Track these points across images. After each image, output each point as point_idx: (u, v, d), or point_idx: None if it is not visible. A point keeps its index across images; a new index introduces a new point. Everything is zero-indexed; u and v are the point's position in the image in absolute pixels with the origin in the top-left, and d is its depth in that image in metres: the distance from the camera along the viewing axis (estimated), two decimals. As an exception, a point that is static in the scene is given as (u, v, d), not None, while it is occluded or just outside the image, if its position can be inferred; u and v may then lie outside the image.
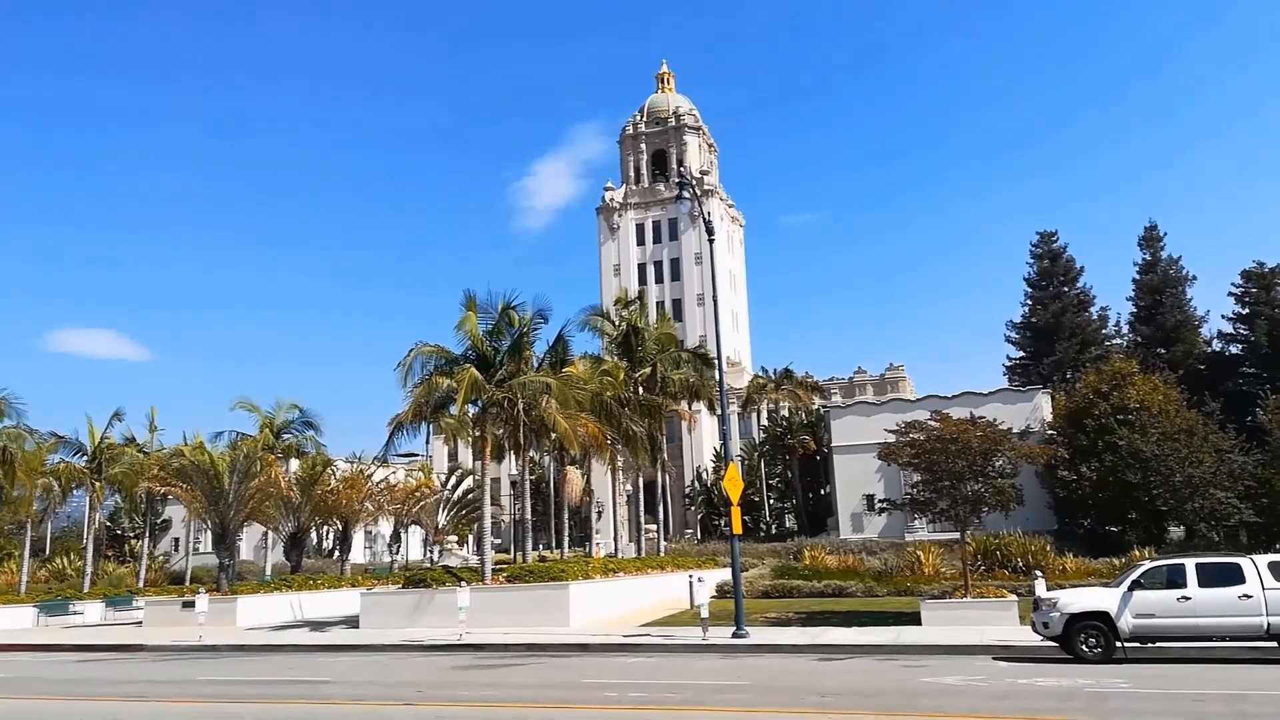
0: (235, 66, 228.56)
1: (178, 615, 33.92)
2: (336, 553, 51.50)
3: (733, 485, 25.54)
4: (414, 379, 32.09)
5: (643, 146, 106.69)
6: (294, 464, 48.11)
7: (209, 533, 44.56)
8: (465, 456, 77.88)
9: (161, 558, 68.92)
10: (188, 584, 46.17)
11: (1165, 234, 73.68)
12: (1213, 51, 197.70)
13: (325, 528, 57.52)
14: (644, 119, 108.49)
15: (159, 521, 73.62)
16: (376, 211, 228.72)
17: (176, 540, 76.52)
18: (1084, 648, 18.93)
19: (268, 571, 51.12)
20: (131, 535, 74.41)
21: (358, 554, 63.77)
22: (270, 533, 49.93)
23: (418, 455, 54.70)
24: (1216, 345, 70.15)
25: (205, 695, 17.47)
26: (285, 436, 46.68)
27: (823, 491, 71.65)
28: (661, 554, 45.79)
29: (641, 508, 47.70)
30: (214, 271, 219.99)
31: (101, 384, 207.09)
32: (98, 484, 48.46)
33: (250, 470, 36.93)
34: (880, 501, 36.83)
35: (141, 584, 49.21)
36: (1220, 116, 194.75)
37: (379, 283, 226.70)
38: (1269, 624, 18.34)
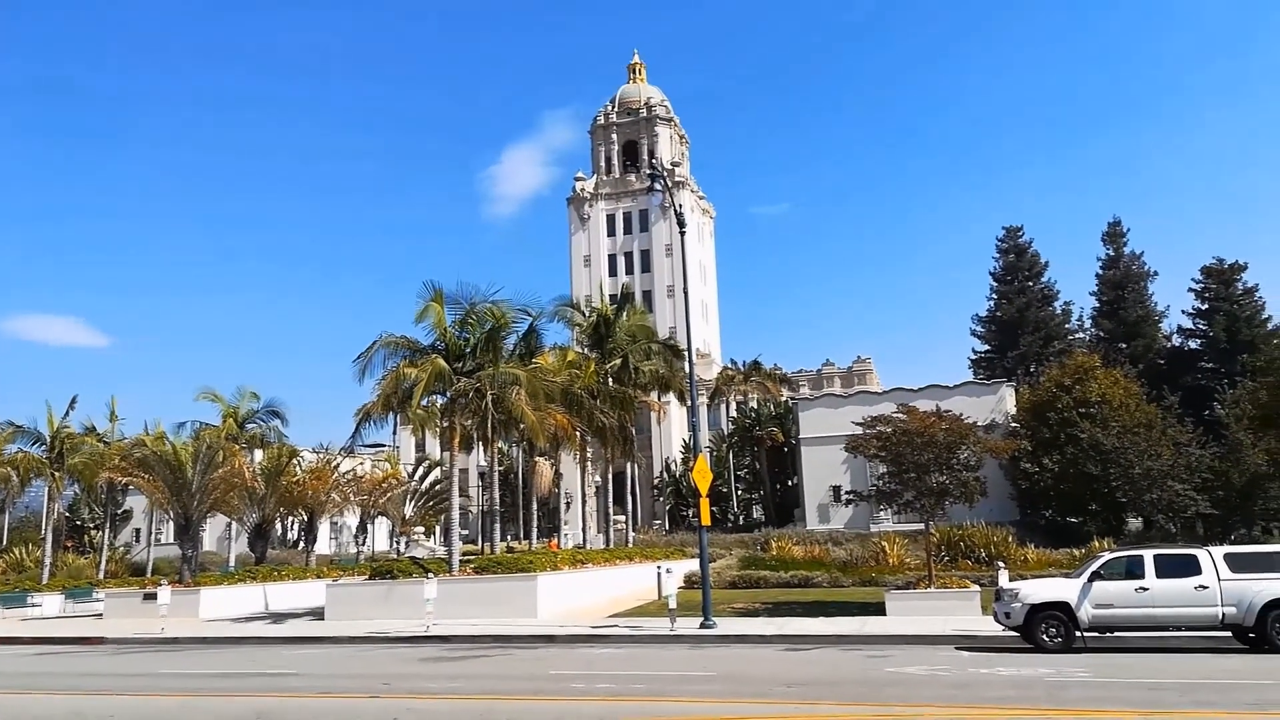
0: (198, 51, 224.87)
1: (139, 607, 33.43)
2: (302, 544, 51.02)
3: (701, 477, 25.64)
4: (377, 371, 31.85)
5: (614, 137, 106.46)
6: (259, 454, 47.56)
7: (171, 524, 44.05)
8: (433, 447, 77.38)
9: (122, 549, 67.82)
10: (149, 575, 45.46)
11: (1128, 230, 74.95)
12: (1177, 50, 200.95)
13: (291, 519, 57.00)
14: (615, 109, 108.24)
15: (120, 512, 72.44)
16: (342, 197, 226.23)
17: (138, 531, 75.40)
18: (1045, 638, 19.23)
19: (232, 563, 50.45)
20: (91, 526, 73.19)
21: (324, 545, 63.27)
22: (234, 524, 49.33)
23: (385, 446, 54.39)
24: (1176, 340, 71.44)
25: (168, 689, 17.24)
26: (250, 426, 46.16)
27: (790, 483, 72.10)
28: (630, 545, 45.87)
29: (610, 499, 47.67)
30: (175, 257, 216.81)
31: (60, 371, 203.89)
32: (57, 474, 47.59)
33: (214, 460, 36.47)
34: (847, 493, 37.21)
35: (102, 576, 48.44)
36: (1183, 115, 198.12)
37: (345, 269, 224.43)
38: (1224, 614, 18.75)
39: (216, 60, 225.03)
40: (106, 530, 54.95)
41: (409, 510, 56.47)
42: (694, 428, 29.91)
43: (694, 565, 33.89)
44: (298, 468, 45.97)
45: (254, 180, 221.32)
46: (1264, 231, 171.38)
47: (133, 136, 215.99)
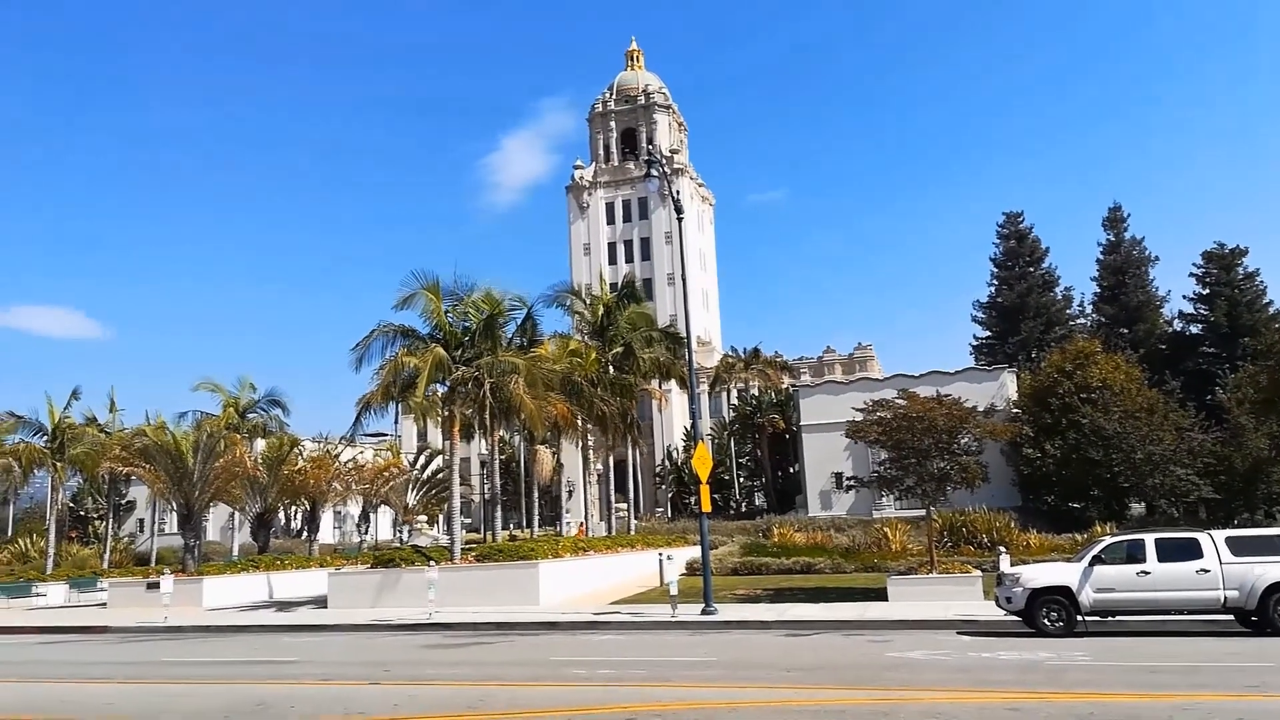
0: (194, 39, 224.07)
1: (143, 596, 33.55)
2: (305, 533, 51.14)
3: (701, 464, 25.61)
4: (375, 360, 31.81)
5: (612, 125, 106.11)
6: (260, 444, 47.62)
7: (174, 514, 44.06)
8: (435, 436, 77.41)
9: (126, 539, 68.01)
10: (153, 565, 45.56)
11: (1129, 215, 74.87)
12: (1177, 34, 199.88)
13: (293, 508, 57.10)
14: (613, 97, 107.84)
15: (123, 502, 72.66)
16: (340, 184, 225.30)
17: (141, 521, 75.62)
18: (1046, 622, 19.18)
19: (235, 552, 50.58)
20: (95, 516, 73.39)
21: (326, 534, 63.45)
22: (237, 513, 49.44)
23: (386, 435, 54.40)
24: (1177, 325, 71.38)
25: (170, 676, 17.27)
26: (251, 416, 46.18)
27: (792, 470, 72.19)
28: (632, 532, 45.93)
29: (612, 486, 47.75)
30: (174, 247, 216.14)
31: (61, 362, 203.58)
32: (59, 465, 47.66)
33: (215, 450, 36.50)
34: (848, 479, 37.22)
35: (106, 565, 48.59)
36: (1184, 99, 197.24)
37: (342, 258, 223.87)
38: (1226, 598, 18.71)
39: (213, 48, 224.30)
40: (110, 520, 55.10)
41: (411, 499, 56.48)
42: (695, 415, 29.87)
43: (696, 552, 33.89)
44: (299, 457, 46.00)
45: (249, 169, 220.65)
46: (1265, 216, 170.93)
47: (130, 126, 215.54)
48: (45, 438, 47.49)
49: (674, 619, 23.30)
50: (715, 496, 57.76)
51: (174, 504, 38.33)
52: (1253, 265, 67.63)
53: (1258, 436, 44.50)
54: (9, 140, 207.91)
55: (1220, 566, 18.82)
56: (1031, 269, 75.85)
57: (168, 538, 61.94)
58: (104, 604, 35.93)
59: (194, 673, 17.73)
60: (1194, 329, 69.89)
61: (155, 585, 31.85)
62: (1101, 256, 74.60)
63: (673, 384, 55.85)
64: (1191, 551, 19.18)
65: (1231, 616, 19.29)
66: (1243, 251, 67.79)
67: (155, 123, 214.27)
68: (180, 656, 20.62)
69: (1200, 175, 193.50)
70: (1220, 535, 19.56)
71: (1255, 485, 47.08)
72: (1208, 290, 68.12)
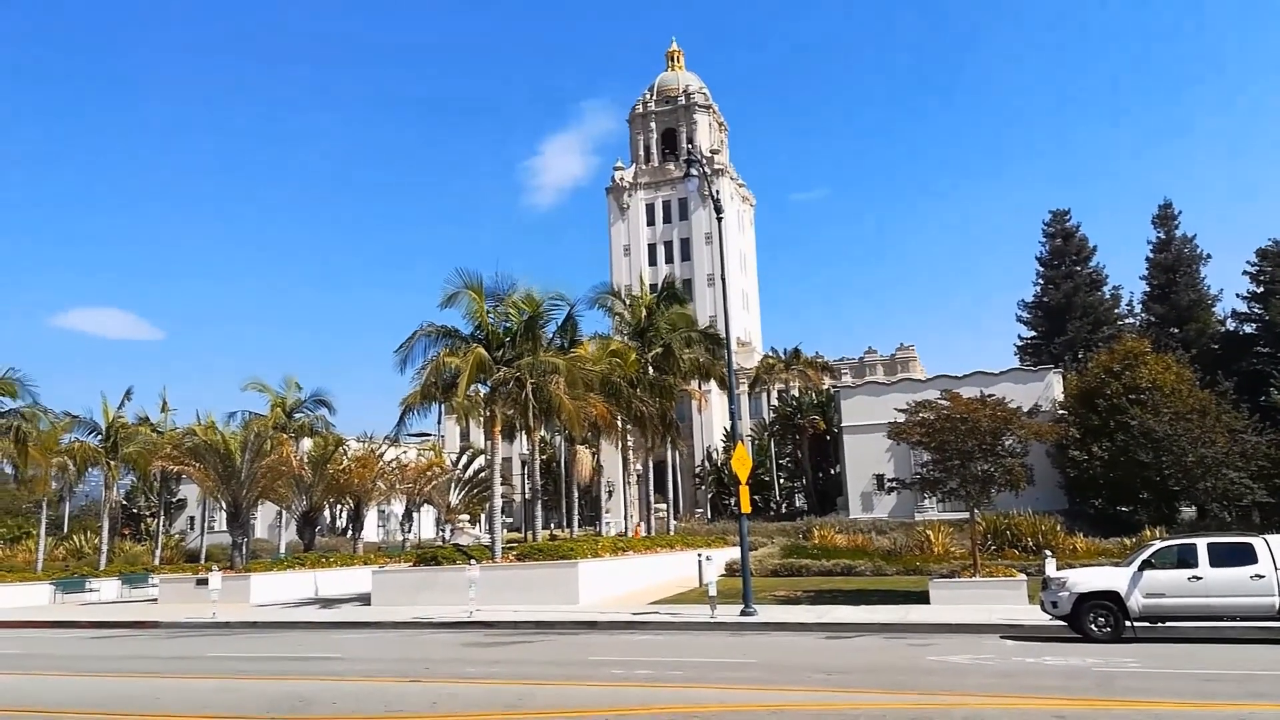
0: (244, 39, 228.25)
1: (192, 592, 34.18)
2: (349, 531, 51.78)
3: (740, 464, 25.52)
4: (417, 361, 32.11)
5: (652, 125, 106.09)
6: (306, 443, 48.27)
7: (223, 511, 44.87)
8: (477, 436, 78.02)
9: (177, 536, 69.47)
10: (203, 562, 46.48)
11: (1180, 212, 73.22)
12: (1227, 27, 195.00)
13: (338, 506, 57.83)
14: (653, 97, 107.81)
15: (174, 500, 74.11)
16: (385, 186, 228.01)
17: (191, 519, 77.15)
18: (1093, 627, 18.84)
19: (281, 549, 51.41)
20: (147, 514, 75.02)
21: (370, 532, 64.19)
22: (283, 511, 50.24)
23: (429, 435, 54.90)
24: (1230, 324, 69.62)
25: (215, 671, 17.57)
26: (297, 416, 46.85)
27: (832, 471, 71.65)
28: (671, 533, 45.96)
29: (651, 487, 47.71)
30: (226, 249, 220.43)
31: (114, 363, 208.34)
32: (112, 463, 48.80)
33: (262, 449, 37.11)
34: (890, 481, 36.75)
35: (157, 562, 49.63)
36: (1237, 92, 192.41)
37: (385, 259, 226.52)
38: (1280, 604, 18.25)
39: (259, 49, 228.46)
40: (161, 518, 56.28)
41: (454, 498, 57.05)
42: (734, 416, 29.80)
43: (735, 553, 33.79)
44: (344, 456, 46.59)
45: (294, 171, 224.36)
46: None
47: (177, 127, 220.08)
48: (99, 437, 48.61)
49: (713, 620, 23.22)
50: (755, 498, 57.53)
51: (223, 502, 39.04)
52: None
53: (1314, 439, 43.34)
54: (69, 144, 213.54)
55: (1275, 572, 18.35)
56: (1079, 268, 74.54)
57: (217, 535, 63.14)
58: (154, 599, 36.67)
59: (239, 668, 18.00)
60: (1248, 328, 68.13)
61: (204, 581, 32.40)
62: (1151, 255, 73.05)
63: (712, 385, 55.66)
64: (1245, 556, 18.72)
65: (1286, 623, 18.80)
66: (1298, 249, 65.97)
67: (208, 123, 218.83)
68: (227, 652, 20.93)
69: (1254, 171, 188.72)
70: (1275, 540, 19.05)
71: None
72: (1262, 289, 66.36)
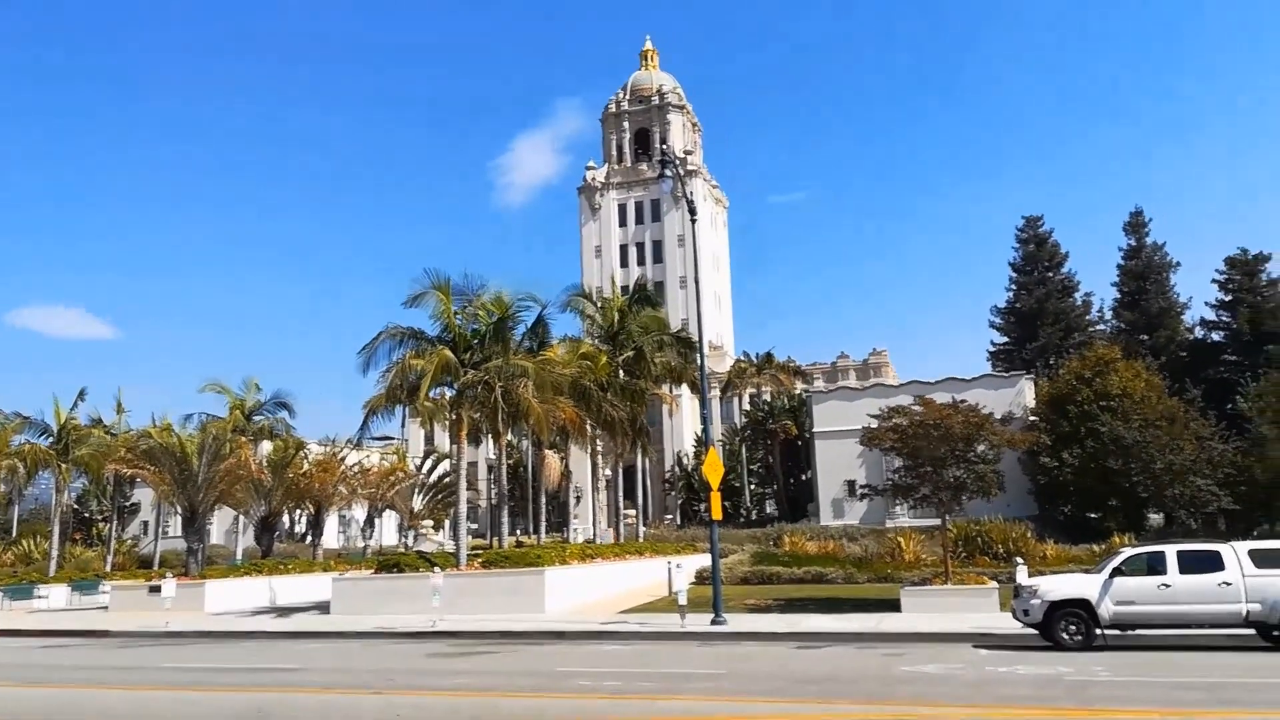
0: (207, 33, 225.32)
1: (144, 600, 33.34)
2: (309, 537, 50.90)
3: (712, 470, 25.19)
4: (382, 363, 31.48)
5: (625, 125, 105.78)
6: (265, 446, 47.45)
7: (178, 516, 43.89)
8: (442, 440, 77.25)
9: (130, 541, 68.13)
10: (156, 568, 45.47)
11: (1150, 220, 73.73)
12: (1202, 39, 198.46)
13: (298, 511, 56.80)
14: (627, 97, 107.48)
15: (127, 504, 72.74)
16: (350, 183, 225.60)
17: (145, 524, 75.60)
18: (1064, 635, 18.81)
19: (238, 556, 50.46)
20: (99, 518, 73.51)
21: (331, 538, 63.12)
22: (241, 516, 49.25)
23: (393, 438, 54.01)
24: (1199, 332, 70.30)
25: (169, 682, 17.00)
26: (256, 418, 46.01)
27: (804, 477, 71.64)
28: (640, 539, 45.48)
29: (620, 492, 47.30)
30: (183, 248, 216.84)
31: (68, 363, 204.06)
32: (64, 466, 47.55)
33: (219, 452, 36.31)
34: (861, 487, 36.64)
35: (109, 568, 48.55)
36: (1207, 104, 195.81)
37: (353, 258, 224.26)
38: (1248, 611, 18.32)
39: (221, 45, 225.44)
40: (114, 523, 55.05)
41: (417, 503, 56.23)
42: (705, 420, 29.51)
43: (705, 560, 33.45)
44: (305, 460, 45.78)
45: (259, 168, 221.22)
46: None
47: (136, 124, 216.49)
48: (50, 439, 47.40)
49: (683, 629, 22.93)
50: (725, 504, 57.21)
51: (178, 507, 38.18)
52: (1277, 271, 66.66)
53: (1279, 447, 43.75)
54: (15, 139, 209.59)
55: (1243, 579, 18.46)
56: (1051, 274, 75.00)
57: (171, 541, 61.92)
58: (105, 607, 35.71)
59: (194, 679, 17.47)
60: (1216, 336, 68.85)
61: (157, 589, 31.65)
62: (1122, 262, 73.64)
63: (683, 389, 55.46)
64: (1213, 564, 18.81)
65: (1253, 631, 18.80)
66: (1266, 258, 66.74)
67: (164, 120, 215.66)
68: (181, 662, 20.37)
69: (1224, 180, 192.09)
70: (1243, 547, 19.20)
71: (1276, 496, 46.24)
72: (1230, 297, 67.10)
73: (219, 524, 65.47)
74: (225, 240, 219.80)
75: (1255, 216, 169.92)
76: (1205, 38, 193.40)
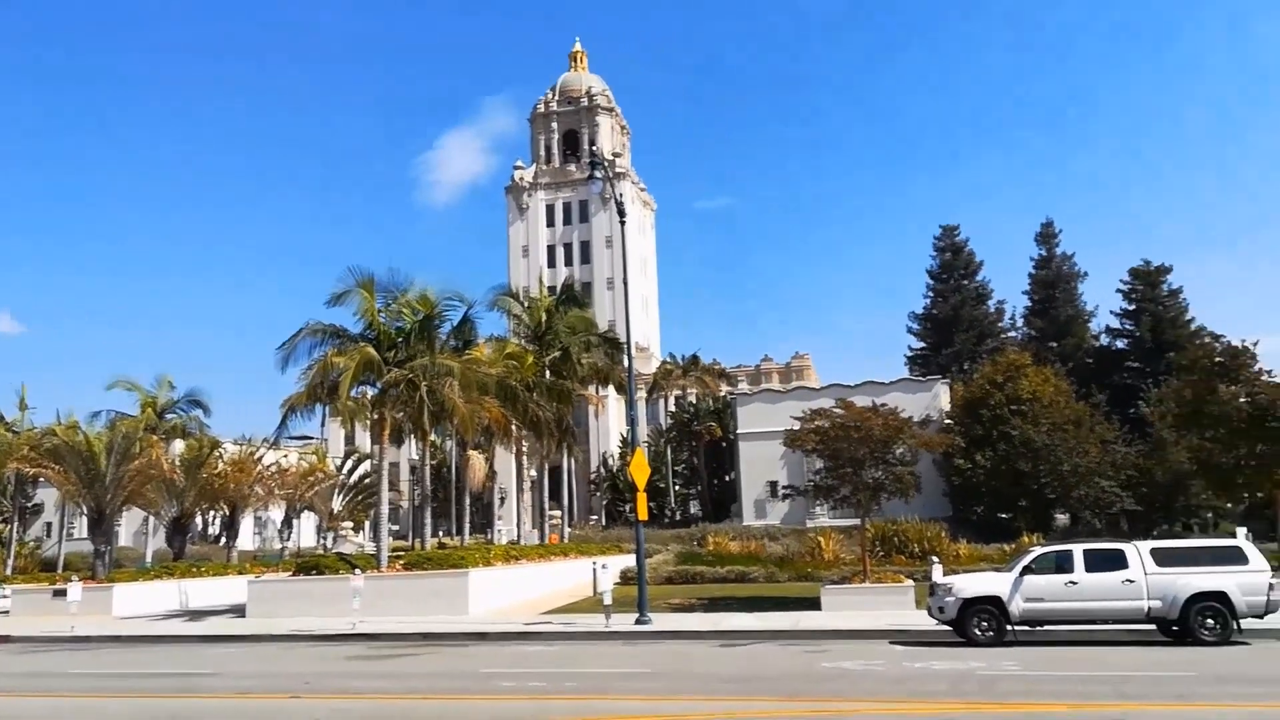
0: (125, 16, 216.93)
1: (48, 604, 32.01)
2: (223, 539, 49.53)
3: (639, 471, 25.28)
4: (302, 360, 30.75)
5: (554, 126, 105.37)
6: (179, 445, 46.02)
7: (84, 517, 42.29)
8: (363, 440, 75.78)
9: (32, 544, 65.36)
10: (60, 571, 43.60)
11: (1060, 231, 76.72)
12: (1107, 55, 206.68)
13: (212, 513, 55.25)
14: (556, 97, 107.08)
15: (30, 505, 69.42)
16: (268, 178, 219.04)
17: (49, 525, 72.48)
18: (977, 631, 19.32)
19: (148, 558, 48.73)
20: (-1, 519, 70.17)
21: (246, 540, 61.44)
22: (152, 518, 47.68)
23: (313, 438, 52.96)
24: (1104, 340, 73.26)
25: (75, 689, 16.44)
26: (169, 416, 44.59)
27: (728, 478, 72.37)
28: (565, 540, 45.42)
29: (546, 493, 47.15)
30: (92, 241, 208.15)
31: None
32: (-38, 465, 45.36)
33: (129, 451, 35.09)
34: (784, 488, 37.35)
35: (10, 571, 46.49)
36: (1115, 119, 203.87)
37: (270, 253, 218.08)
38: (1149, 607, 19.05)
39: (146, 30, 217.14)
40: (15, 524, 52.71)
41: (337, 505, 55.19)
42: (632, 421, 29.56)
43: (630, 561, 33.56)
44: (220, 460, 44.55)
45: (172, 161, 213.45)
46: (1189, 235, 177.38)
47: (47, 116, 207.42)
48: (-52, 437, 45.24)
49: (608, 629, 22.94)
50: (651, 504, 57.26)
51: (84, 507, 36.83)
52: (1176, 283, 70.07)
53: (1178, 450, 45.77)
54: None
55: (1145, 577, 19.18)
56: (966, 282, 77.26)
57: (77, 543, 59.52)
58: (6, 612, 34.19)
59: (102, 685, 16.89)
60: (1120, 344, 71.84)
61: (62, 593, 30.44)
62: (1033, 271, 76.37)
63: (610, 390, 55.45)
64: (1118, 562, 19.52)
65: (1154, 626, 19.63)
66: (1167, 269, 70.09)
67: (76, 111, 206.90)
68: (88, 668, 19.70)
69: (1129, 194, 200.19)
70: (1145, 546, 19.94)
71: (1175, 497, 48.51)
72: (1134, 306, 70.12)
73: (128, 525, 63.07)
74: (135, 235, 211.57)
75: (1159, 229, 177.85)
76: (1114, 51, 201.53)
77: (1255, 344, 28.41)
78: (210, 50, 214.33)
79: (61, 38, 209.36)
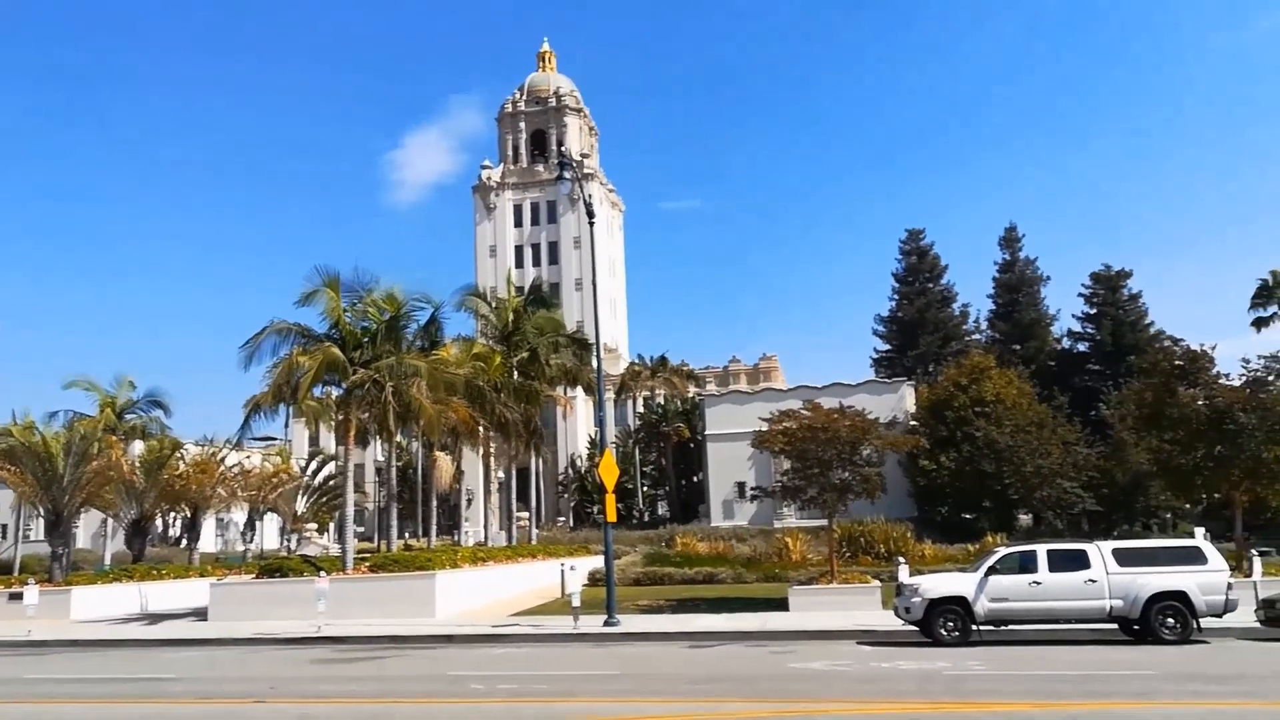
0: (86, 14, 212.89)
1: (4, 609, 31.19)
2: (185, 541, 48.63)
3: (608, 472, 25.25)
4: (266, 359, 30.34)
5: (522, 126, 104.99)
6: (139, 446, 45.20)
7: (41, 520, 41.41)
8: (327, 441, 74.99)
9: (-13, 546, 63.70)
10: (16, 574, 42.57)
11: (1024, 235, 77.85)
12: (1069, 61, 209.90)
13: (172, 514, 54.28)
14: (524, 97, 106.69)
15: (-17, 508, 67.90)
16: (234, 175, 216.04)
17: (4, 528, 70.83)
18: (943, 631, 19.54)
19: (107, 561, 47.72)
20: (-48, 523, 68.45)
21: (208, 543, 60.56)
22: (111, 520, 46.69)
23: (276, 439, 52.15)
24: (1066, 343, 74.48)
25: (31, 695, 16.05)
26: (129, 417, 43.83)
27: (696, 479, 72.54)
28: (533, 542, 45.25)
29: (514, 495, 46.89)
30: (50, 238, 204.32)
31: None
32: (-87, 466, 44.16)
33: (88, 452, 34.38)
34: (752, 489, 37.53)
35: (-38, 575, 45.23)
36: (1079, 125, 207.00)
37: (234, 251, 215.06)
38: (1111, 607, 19.39)
39: (107, 25, 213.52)
40: (-32, 527, 51.39)
41: (301, 506, 54.47)
42: (601, 423, 29.58)
43: (599, 562, 33.51)
44: (181, 461, 43.81)
45: (134, 159, 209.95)
46: (1149, 241, 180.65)
47: (20, 114, 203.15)
48: (-102, 437, 43.95)
49: (576, 631, 22.88)
50: (619, 506, 57.27)
51: (41, 509, 36.03)
52: (1136, 287, 71.37)
53: (1138, 452, 46.53)
54: None
55: (1107, 577, 19.52)
56: (931, 285, 78.15)
57: (33, 545, 58.12)
58: (-40, 617, 33.33)
59: (61, 691, 16.58)
60: (1081, 347, 73.05)
61: (18, 596, 29.79)
62: (997, 275, 77.41)
63: (578, 391, 55.35)
64: (1080, 562, 19.84)
65: (1116, 625, 19.96)
66: (1127, 274, 71.36)
67: (35, 108, 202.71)
68: (45, 674, 19.30)
69: (1091, 199, 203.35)
70: (1107, 546, 20.28)
71: (1135, 498, 49.36)
72: (1095, 310, 71.32)
73: (86, 527, 61.87)
74: (93, 232, 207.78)
75: (1120, 234, 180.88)
76: (1079, 60, 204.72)
77: (1214, 348, 29.01)
78: (173, 46, 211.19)
79: (57, 32, 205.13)
